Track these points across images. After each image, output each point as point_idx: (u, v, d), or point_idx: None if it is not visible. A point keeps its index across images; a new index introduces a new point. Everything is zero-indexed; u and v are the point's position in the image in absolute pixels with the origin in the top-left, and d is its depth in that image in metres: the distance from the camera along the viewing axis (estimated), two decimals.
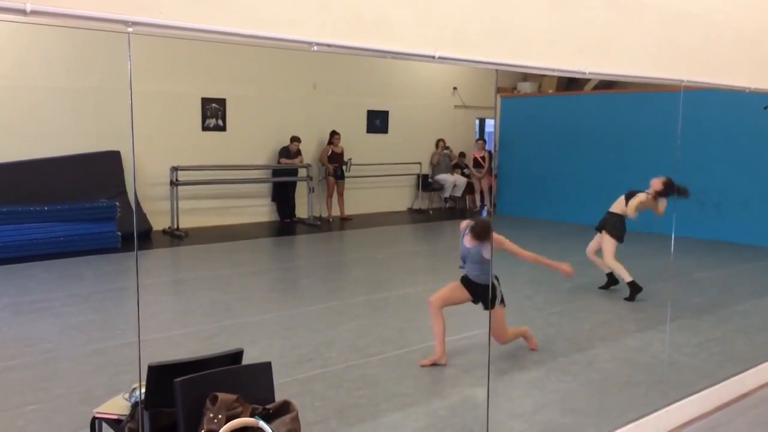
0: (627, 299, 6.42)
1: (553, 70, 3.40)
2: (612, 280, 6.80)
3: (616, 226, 6.59)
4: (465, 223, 4.75)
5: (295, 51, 8.73)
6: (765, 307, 6.29)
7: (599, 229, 6.70)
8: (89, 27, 2.06)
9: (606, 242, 6.59)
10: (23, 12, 1.86)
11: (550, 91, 13.52)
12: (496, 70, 3.15)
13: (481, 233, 4.48)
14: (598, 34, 3.51)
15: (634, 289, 6.44)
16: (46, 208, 8.22)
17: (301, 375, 4.38)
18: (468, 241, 4.64)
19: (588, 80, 12.70)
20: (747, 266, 8.05)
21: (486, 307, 4.51)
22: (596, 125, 11.43)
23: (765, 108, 6.57)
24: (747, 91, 4.42)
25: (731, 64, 4.27)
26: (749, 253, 8.68)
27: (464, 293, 4.72)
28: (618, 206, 6.67)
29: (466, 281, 4.74)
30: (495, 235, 4.49)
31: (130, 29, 2.07)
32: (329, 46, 2.53)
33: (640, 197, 6.52)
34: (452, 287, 4.76)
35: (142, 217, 9.38)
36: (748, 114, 9.15)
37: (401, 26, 2.78)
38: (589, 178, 11.53)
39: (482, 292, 4.60)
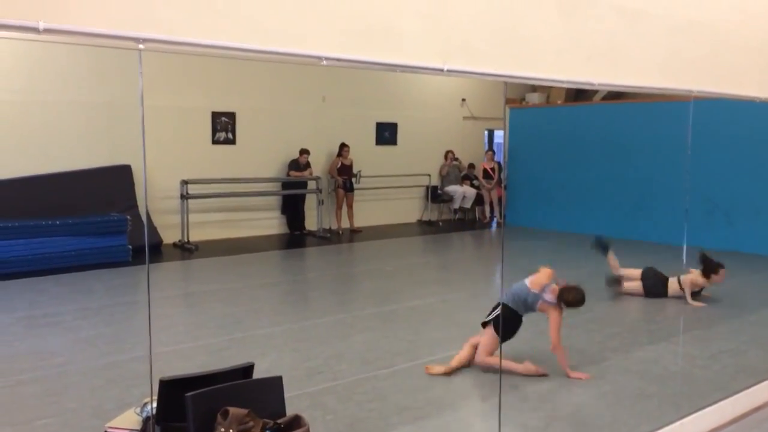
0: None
1: (563, 81, 3.40)
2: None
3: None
4: (549, 275, 4.70)
5: (304, 65, 8.80)
6: None
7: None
8: (101, 45, 2.08)
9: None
10: (36, 30, 1.88)
11: (559, 102, 13.51)
12: (505, 82, 3.16)
13: (573, 302, 4.58)
14: (606, 45, 3.52)
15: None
16: (57, 223, 8.28)
17: (312, 388, 4.37)
18: (535, 286, 4.66)
19: (596, 91, 12.69)
20: (758, 276, 7.98)
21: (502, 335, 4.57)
22: (605, 136, 11.41)
23: None
24: (757, 101, 4.40)
25: (740, 73, 4.26)
26: (760, 263, 8.61)
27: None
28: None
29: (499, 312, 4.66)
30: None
31: (141, 46, 2.10)
32: (339, 60, 2.55)
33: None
34: (491, 337, 4.69)
35: (153, 230, 9.42)
36: (758, 123, 9.11)
37: (410, 39, 2.79)
38: (598, 188, 11.50)
39: (510, 321, 4.66)
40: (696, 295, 6.75)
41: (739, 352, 5.23)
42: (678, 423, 3.71)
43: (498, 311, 4.66)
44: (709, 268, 6.56)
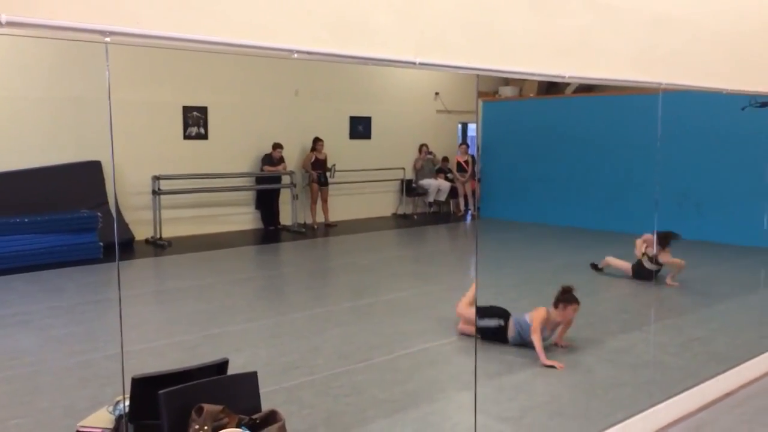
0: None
1: (534, 74, 3.42)
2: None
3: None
4: (543, 316, 4.93)
5: (275, 58, 8.73)
6: (746, 306, 6.36)
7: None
8: (66, 38, 2.04)
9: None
10: None
11: (532, 95, 13.60)
12: (477, 75, 3.16)
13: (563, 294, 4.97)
14: (577, 39, 3.54)
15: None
16: (26, 220, 8.13)
17: (288, 383, 4.35)
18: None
19: (568, 84, 12.79)
20: (727, 265, 8.13)
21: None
22: (577, 128, 11.53)
23: (743, 109, 6.66)
24: (725, 92, 4.47)
25: (709, 66, 4.32)
26: (729, 253, 8.78)
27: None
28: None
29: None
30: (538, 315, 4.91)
31: (107, 39, 2.05)
32: (310, 53, 2.53)
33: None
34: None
35: (124, 227, 9.30)
36: (727, 115, 9.27)
37: (382, 33, 2.78)
38: (570, 180, 11.62)
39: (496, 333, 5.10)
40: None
41: (709, 340, 5.32)
42: (650, 410, 3.77)
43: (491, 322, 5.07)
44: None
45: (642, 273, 7.09)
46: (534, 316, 4.88)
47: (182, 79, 10.22)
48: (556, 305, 4.94)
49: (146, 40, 2.18)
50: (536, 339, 4.77)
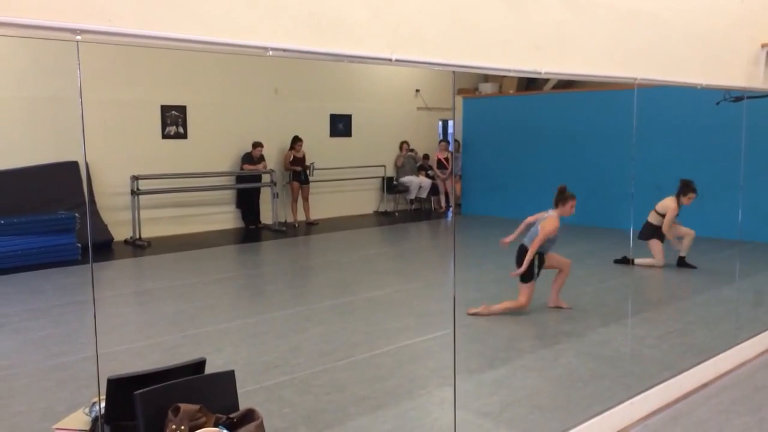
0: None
1: (510, 70, 3.43)
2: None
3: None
4: (553, 227, 5.72)
5: (255, 57, 8.69)
6: (722, 298, 6.44)
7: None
8: (36, 36, 2.01)
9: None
10: None
11: (511, 91, 13.67)
12: (453, 72, 3.17)
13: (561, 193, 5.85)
14: (553, 34, 3.57)
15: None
16: (2, 222, 8.02)
17: (269, 382, 4.34)
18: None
19: (547, 80, 12.88)
20: (704, 258, 8.23)
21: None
22: (556, 124, 11.60)
23: (718, 104, 6.74)
24: (699, 87, 4.52)
25: (683, 61, 4.37)
26: (705, 245, 8.88)
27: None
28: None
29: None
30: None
31: (78, 37, 2.03)
32: (285, 50, 2.52)
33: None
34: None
35: (103, 227, 9.21)
36: (701, 110, 9.38)
37: (357, 29, 2.78)
38: (550, 176, 11.67)
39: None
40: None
41: (686, 332, 5.39)
42: (628, 402, 3.81)
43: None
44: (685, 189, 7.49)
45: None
46: (544, 225, 5.61)
47: (160, 78, 10.14)
48: (556, 205, 5.78)
49: (118, 39, 2.16)
50: (532, 249, 5.60)
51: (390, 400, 4.07)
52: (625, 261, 7.64)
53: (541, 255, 5.74)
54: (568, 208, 5.74)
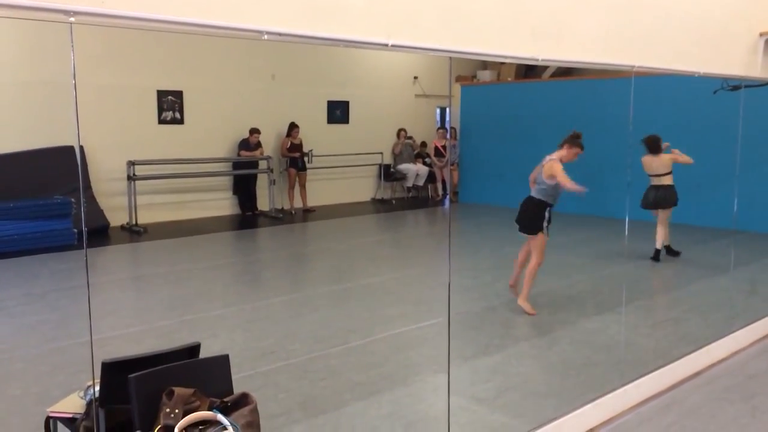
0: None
1: (507, 57, 3.42)
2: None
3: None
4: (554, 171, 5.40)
5: (252, 41, 8.62)
6: (716, 287, 6.47)
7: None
8: (29, 17, 2.00)
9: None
10: None
11: (509, 79, 13.62)
12: (450, 58, 3.16)
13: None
14: (551, 21, 3.55)
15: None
16: None
17: (264, 367, 4.36)
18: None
19: (546, 68, 12.83)
20: (699, 247, 8.26)
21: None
22: (554, 112, 11.56)
23: (715, 92, 6.73)
24: (697, 75, 4.51)
25: (682, 49, 4.36)
26: (701, 235, 8.91)
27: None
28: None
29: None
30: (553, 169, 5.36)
31: (71, 19, 2.02)
32: (280, 35, 2.50)
33: None
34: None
35: (99, 213, 9.19)
36: (699, 99, 9.36)
37: (354, 14, 2.76)
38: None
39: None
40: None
41: (679, 321, 5.41)
42: (621, 389, 3.83)
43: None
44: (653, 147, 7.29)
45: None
46: (553, 169, 5.34)
47: (157, 63, 10.08)
48: (562, 145, 5.47)
49: (111, 20, 2.14)
50: (567, 182, 5.34)
51: (385, 386, 4.09)
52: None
53: (550, 207, 5.46)
54: (572, 153, 5.41)
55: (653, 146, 7.34)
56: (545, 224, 5.43)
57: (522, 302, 5.52)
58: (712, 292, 6.34)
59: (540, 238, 5.45)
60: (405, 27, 2.91)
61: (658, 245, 7.47)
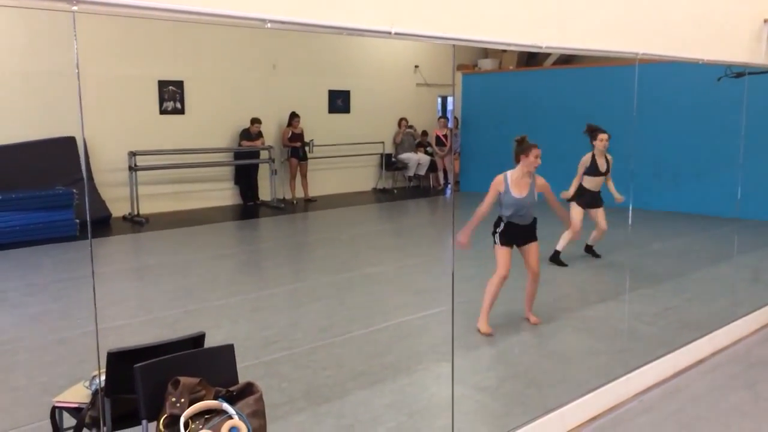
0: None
1: (510, 44, 3.40)
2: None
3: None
4: (501, 178, 4.96)
5: (253, 30, 8.58)
6: (720, 276, 6.46)
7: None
8: (32, 6, 1.98)
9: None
10: None
11: (511, 67, 13.57)
12: (453, 46, 3.14)
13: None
14: (554, 8, 3.53)
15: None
16: (0, 197, 8.00)
17: (267, 357, 4.36)
18: (518, 192, 4.88)
19: (547, 56, 12.77)
20: (702, 235, 8.25)
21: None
22: (556, 100, 11.53)
23: (719, 80, 6.70)
24: (701, 62, 4.49)
25: (685, 36, 4.33)
26: (704, 223, 8.90)
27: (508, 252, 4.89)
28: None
29: (510, 232, 4.88)
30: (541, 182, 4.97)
31: (74, 8, 2.00)
32: (283, 23, 2.49)
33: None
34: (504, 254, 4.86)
35: (101, 203, 9.19)
36: (702, 86, 9.32)
37: (357, 2, 2.74)
38: (549, 153, 11.62)
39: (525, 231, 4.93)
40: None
41: (682, 309, 5.42)
42: (625, 378, 3.84)
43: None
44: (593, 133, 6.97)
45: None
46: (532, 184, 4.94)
47: (157, 53, 10.05)
48: (517, 159, 4.89)
49: (114, 9, 2.13)
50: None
51: (388, 375, 4.10)
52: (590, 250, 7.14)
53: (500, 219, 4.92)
54: (533, 158, 4.79)
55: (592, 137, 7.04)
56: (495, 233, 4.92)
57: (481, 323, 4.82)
58: (715, 279, 6.34)
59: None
60: (408, 15, 2.89)
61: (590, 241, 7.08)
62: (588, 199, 6.81)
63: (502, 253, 4.86)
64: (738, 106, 5.91)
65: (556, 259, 6.79)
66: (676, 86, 9.66)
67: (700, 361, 4.37)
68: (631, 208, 4.54)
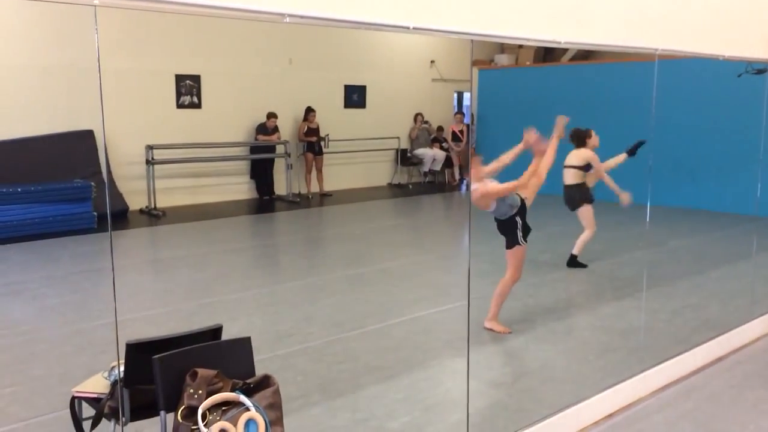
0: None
1: (529, 39, 3.38)
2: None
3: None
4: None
5: (270, 25, 8.60)
6: (738, 273, 6.40)
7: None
8: (55, 1, 2.00)
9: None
10: None
11: (528, 62, 13.49)
12: (472, 41, 3.13)
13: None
14: (573, 3, 3.50)
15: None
16: (19, 190, 8.09)
17: (282, 350, 4.39)
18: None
19: (564, 52, 12.69)
20: (721, 233, 8.18)
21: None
22: (573, 96, 11.44)
23: (740, 76, 6.62)
24: (721, 58, 4.44)
25: (705, 32, 4.29)
26: (723, 221, 8.82)
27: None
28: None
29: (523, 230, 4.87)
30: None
31: (96, 2, 2.02)
32: (302, 17, 2.49)
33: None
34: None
35: (118, 196, 9.27)
36: (723, 82, 9.22)
37: None
38: (566, 149, 11.57)
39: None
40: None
41: (700, 307, 5.37)
42: (641, 375, 3.82)
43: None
44: (580, 138, 6.90)
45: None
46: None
47: (175, 47, 10.09)
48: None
49: (135, 3, 2.14)
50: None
51: (402, 370, 4.10)
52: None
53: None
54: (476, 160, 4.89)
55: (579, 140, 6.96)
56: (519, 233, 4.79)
57: (490, 323, 4.77)
58: (733, 278, 6.28)
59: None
60: (427, 10, 2.89)
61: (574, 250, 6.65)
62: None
63: (522, 252, 4.76)
64: (758, 103, 5.84)
65: (574, 262, 6.62)
66: (696, 82, 9.56)
67: (718, 360, 4.34)
68: (648, 205, 4.51)
